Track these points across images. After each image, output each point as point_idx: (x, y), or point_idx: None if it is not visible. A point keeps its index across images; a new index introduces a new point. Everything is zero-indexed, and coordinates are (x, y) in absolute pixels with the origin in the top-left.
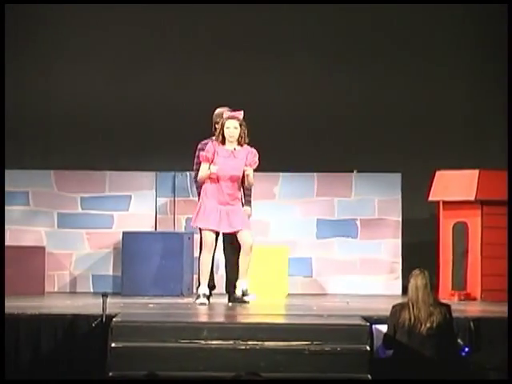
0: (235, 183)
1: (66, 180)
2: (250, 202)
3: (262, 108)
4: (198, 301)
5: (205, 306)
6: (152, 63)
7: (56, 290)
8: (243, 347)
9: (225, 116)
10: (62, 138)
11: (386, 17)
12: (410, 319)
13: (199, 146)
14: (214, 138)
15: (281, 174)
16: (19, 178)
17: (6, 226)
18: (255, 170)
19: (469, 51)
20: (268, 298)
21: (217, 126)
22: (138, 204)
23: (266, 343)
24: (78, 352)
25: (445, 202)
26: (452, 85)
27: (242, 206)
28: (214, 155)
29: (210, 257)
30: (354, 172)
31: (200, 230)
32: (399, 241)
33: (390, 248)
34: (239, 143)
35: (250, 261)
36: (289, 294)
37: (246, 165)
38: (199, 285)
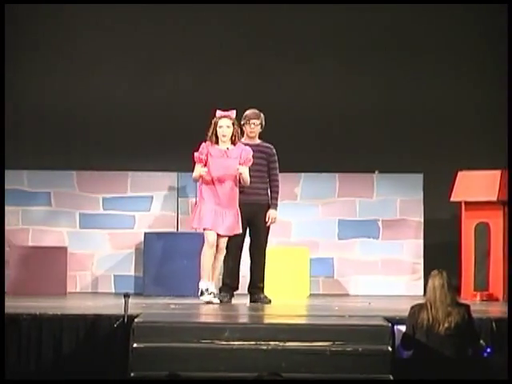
0: (230, 183)
1: (87, 180)
2: (276, 205)
3: (283, 108)
4: (202, 298)
5: (215, 303)
6: (173, 62)
7: (78, 290)
8: (264, 348)
9: (217, 115)
10: (84, 138)
11: (406, 17)
12: (428, 319)
13: None
14: (242, 139)
15: (302, 174)
16: (41, 179)
17: (30, 227)
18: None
19: (491, 51)
20: (289, 298)
21: (243, 127)
22: (160, 204)
23: (288, 344)
24: (100, 352)
25: (467, 203)
26: (475, 85)
27: (268, 207)
28: (207, 156)
29: (211, 252)
30: (376, 172)
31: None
32: (421, 241)
33: (411, 248)
34: (232, 142)
35: (220, 266)
36: (310, 295)
37: (240, 163)
38: (199, 280)
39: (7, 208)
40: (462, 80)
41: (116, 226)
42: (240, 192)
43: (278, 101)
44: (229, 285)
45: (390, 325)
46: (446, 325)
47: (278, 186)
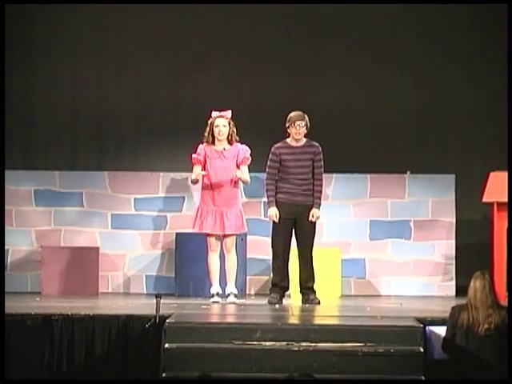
0: (229, 183)
1: (119, 181)
2: (318, 204)
3: (314, 109)
4: (212, 299)
5: (219, 305)
6: (206, 62)
7: (110, 290)
8: (296, 348)
9: (213, 115)
10: (116, 138)
11: (445, 18)
12: (468, 320)
13: (273, 150)
14: (287, 139)
15: (334, 175)
16: (73, 180)
17: (62, 227)
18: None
19: None
20: (321, 299)
21: (288, 130)
22: (192, 205)
23: (320, 344)
24: (132, 353)
25: (499, 204)
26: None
27: (315, 207)
28: (205, 157)
29: (216, 257)
30: (408, 173)
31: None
32: (453, 242)
33: (443, 249)
34: (229, 142)
35: (233, 264)
36: (342, 295)
37: (237, 163)
38: (211, 285)
39: (39, 209)
40: (496, 81)
41: (147, 226)
42: (285, 192)
43: (309, 101)
44: (278, 285)
45: (421, 326)
46: (486, 326)
47: (321, 186)
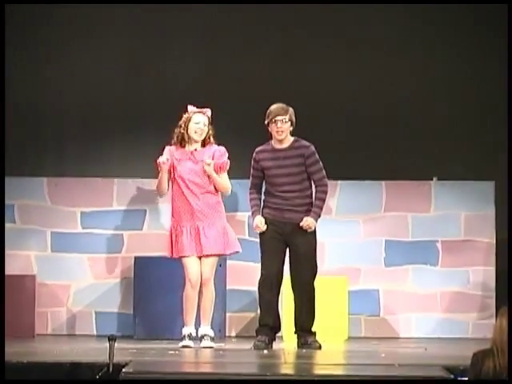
0: (204, 190)
1: (61, 190)
2: (317, 214)
3: (314, 101)
4: (182, 343)
5: (190, 350)
6: (173, 46)
7: (49, 331)
8: None
9: (190, 110)
10: (57, 137)
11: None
12: (494, 367)
13: (253, 155)
14: (271, 141)
15: (339, 182)
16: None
17: None
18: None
19: None
20: (322, 341)
21: (268, 128)
22: (155, 221)
23: None
24: None
25: None
26: None
27: (311, 215)
28: (172, 161)
29: (194, 290)
30: (434, 179)
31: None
32: (493, 269)
33: (480, 278)
34: (203, 143)
35: (210, 299)
36: (349, 338)
37: (214, 169)
38: (183, 325)
39: None
40: None
41: (98, 248)
42: (272, 207)
43: (308, 92)
44: (267, 325)
45: (452, 377)
46: None
47: (324, 193)
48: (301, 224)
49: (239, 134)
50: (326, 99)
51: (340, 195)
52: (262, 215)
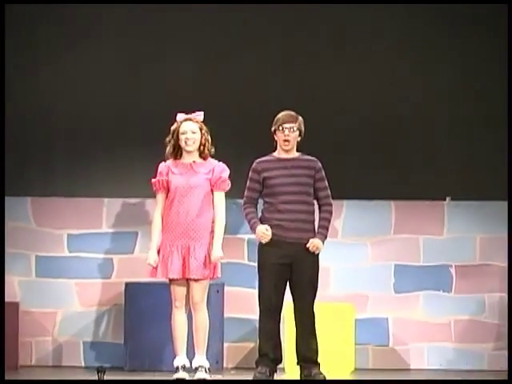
0: (198, 207)
1: (47, 211)
2: (324, 235)
3: (318, 114)
4: (176, 375)
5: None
6: (168, 52)
7: (34, 362)
8: None
9: (178, 119)
10: (43, 152)
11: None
12: None
13: (253, 165)
14: (274, 152)
15: (344, 202)
16: None
17: None
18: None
19: None
20: (326, 374)
21: (274, 136)
22: (148, 243)
23: None
24: None
25: None
26: None
27: (319, 237)
28: (167, 175)
29: (182, 316)
30: (448, 199)
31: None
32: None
33: (496, 305)
34: (201, 154)
35: (203, 325)
36: (356, 370)
37: (211, 185)
38: (175, 356)
39: None
40: None
41: (86, 273)
42: (274, 225)
43: (309, 104)
44: (268, 355)
45: None
46: None
47: (330, 213)
48: (307, 246)
49: (237, 148)
50: (329, 111)
51: (346, 216)
52: None
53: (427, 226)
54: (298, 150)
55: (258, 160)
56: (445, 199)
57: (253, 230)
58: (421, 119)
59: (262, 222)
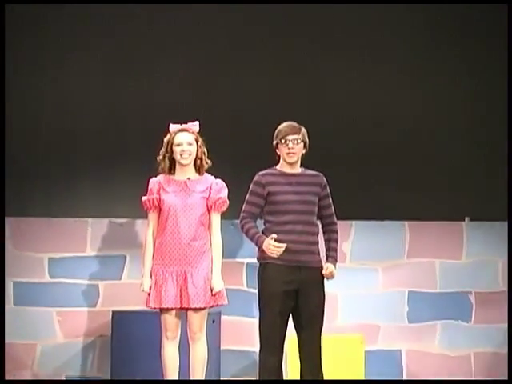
0: (193, 229)
1: (26, 232)
2: (335, 258)
3: (325, 126)
4: None
5: None
6: (160, 59)
7: None
8: None
9: (171, 129)
10: (20, 169)
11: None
12: None
13: (256, 178)
14: (277, 166)
15: (353, 222)
16: None
17: None
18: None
19: None
20: None
21: (277, 150)
22: (137, 268)
23: None
24: None
25: None
26: None
27: (330, 261)
28: (159, 192)
29: (174, 348)
30: (466, 220)
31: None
32: None
33: None
34: (197, 169)
35: (201, 358)
36: None
37: (207, 205)
38: None
39: None
40: None
41: (69, 301)
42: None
43: (315, 117)
44: None
45: None
46: None
47: (337, 232)
48: (324, 272)
49: (234, 166)
50: (337, 124)
51: (355, 238)
52: (266, 262)
53: (444, 249)
54: (301, 165)
55: (261, 172)
56: (464, 219)
57: (259, 244)
58: (436, 135)
59: None
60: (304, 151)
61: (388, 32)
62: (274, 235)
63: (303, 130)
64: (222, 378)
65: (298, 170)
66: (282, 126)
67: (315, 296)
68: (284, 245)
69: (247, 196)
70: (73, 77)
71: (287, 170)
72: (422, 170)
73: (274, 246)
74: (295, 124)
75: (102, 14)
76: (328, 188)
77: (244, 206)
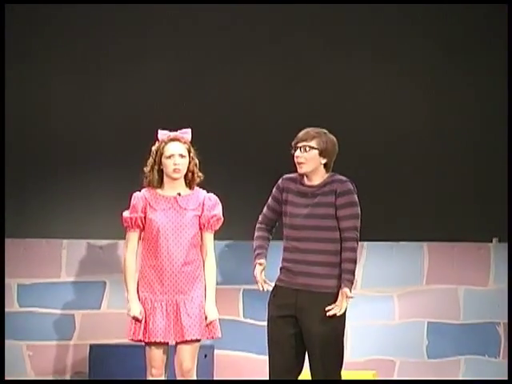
0: (184, 252)
1: None
2: (351, 281)
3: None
4: None
5: None
6: (146, 56)
7: None
8: None
9: (161, 137)
10: None
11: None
12: None
13: (279, 181)
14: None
15: (365, 243)
16: None
17: None
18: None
19: None
20: None
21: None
22: (117, 296)
23: None
24: None
25: None
26: None
27: (346, 284)
28: (145, 211)
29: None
30: (494, 241)
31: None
32: None
33: None
34: (188, 183)
35: None
36: None
37: (199, 223)
38: None
39: None
40: None
41: (41, 334)
42: (283, 267)
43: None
44: None
45: None
46: None
47: (352, 249)
48: (326, 309)
49: (229, 181)
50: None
51: (367, 261)
52: (274, 284)
53: (469, 274)
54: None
55: (285, 176)
56: (491, 241)
57: (253, 264)
58: (460, 148)
59: (281, 263)
60: (324, 161)
61: (389, 33)
62: (263, 262)
63: (323, 137)
64: None
65: (316, 180)
66: (301, 133)
67: (315, 326)
68: (268, 285)
69: (269, 199)
70: (44, 85)
71: (306, 181)
72: (443, 183)
73: (260, 278)
74: (315, 130)
75: (99, 15)
76: (347, 196)
77: (264, 208)
